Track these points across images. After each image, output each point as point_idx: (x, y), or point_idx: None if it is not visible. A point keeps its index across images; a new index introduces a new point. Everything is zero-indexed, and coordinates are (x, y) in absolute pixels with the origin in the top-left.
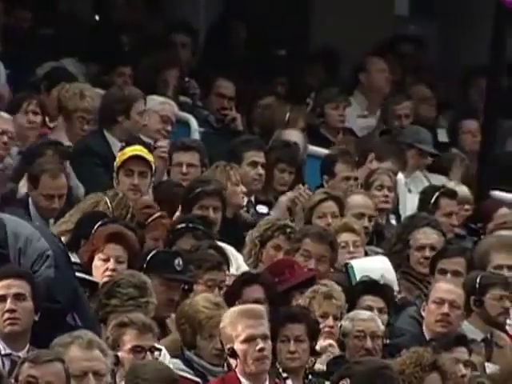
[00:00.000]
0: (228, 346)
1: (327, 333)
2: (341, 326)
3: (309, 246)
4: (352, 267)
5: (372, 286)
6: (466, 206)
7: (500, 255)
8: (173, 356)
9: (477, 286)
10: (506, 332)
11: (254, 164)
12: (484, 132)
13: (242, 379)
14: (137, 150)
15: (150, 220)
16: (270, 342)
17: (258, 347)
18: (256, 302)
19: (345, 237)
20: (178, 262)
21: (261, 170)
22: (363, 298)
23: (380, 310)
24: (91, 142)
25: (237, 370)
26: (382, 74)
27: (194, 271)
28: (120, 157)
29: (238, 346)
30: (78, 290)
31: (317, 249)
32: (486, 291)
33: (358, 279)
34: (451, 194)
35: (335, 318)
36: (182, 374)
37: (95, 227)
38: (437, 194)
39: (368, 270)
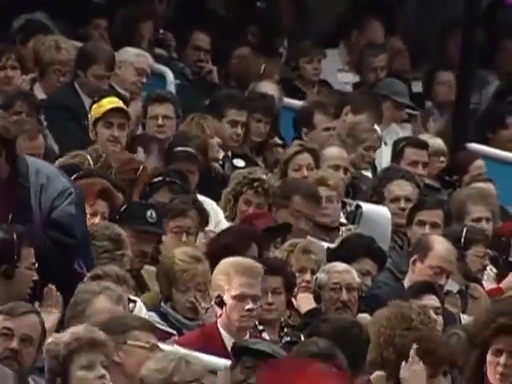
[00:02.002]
0: (216, 293)
1: (304, 287)
2: (316, 279)
3: (299, 206)
4: (361, 213)
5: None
6: (441, 158)
7: (478, 207)
8: (148, 309)
9: (462, 240)
10: (481, 284)
11: (235, 123)
12: (459, 83)
13: (223, 332)
14: (114, 102)
15: (137, 175)
16: (259, 302)
17: (247, 307)
18: None
19: (319, 191)
20: (151, 213)
21: (239, 130)
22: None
23: (369, 273)
24: (62, 96)
25: (219, 319)
26: (376, 31)
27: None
28: (97, 109)
29: (228, 299)
30: (88, 237)
31: (308, 209)
32: (470, 247)
33: (362, 226)
34: (417, 144)
35: (313, 273)
36: (157, 325)
37: (72, 178)
38: (402, 143)
39: (376, 218)
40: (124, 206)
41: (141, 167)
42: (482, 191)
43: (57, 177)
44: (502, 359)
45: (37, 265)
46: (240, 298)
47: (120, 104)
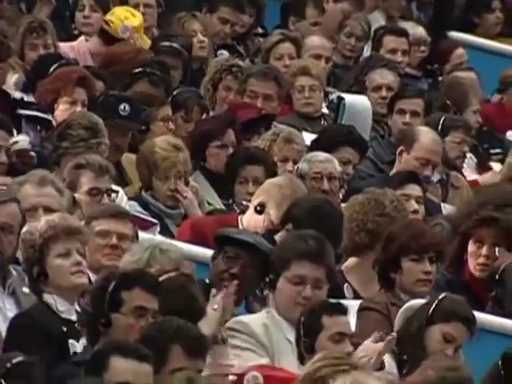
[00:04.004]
0: (260, 200)
1: None
2: (298, 169)
3: (254, 86)
4: (344, 104)
5: (350, 138)
6: (422, 48)
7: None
8: (130, 198)
9: (440, 127)
10: (462, 173)
11: (225, 21)
12: None
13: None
14: None
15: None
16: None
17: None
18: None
19: (302, 80)
20: (124, 107)
21: (228, 30)
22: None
23: (350, 162)
24: None
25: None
26: None
27: (149, 113)
28: None
29: (270, 213)
30: None
31: (262, 87)
32: (448, 133)
33: (345, 118)
34: (396, 31)
35: (295, 163)
36: (138, 214)
37: (53, 68)
38: (381, 31)
39: (358, 108)
40: (101, 98)
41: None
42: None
43: None
44: (484, 250)
45: None
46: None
47: None
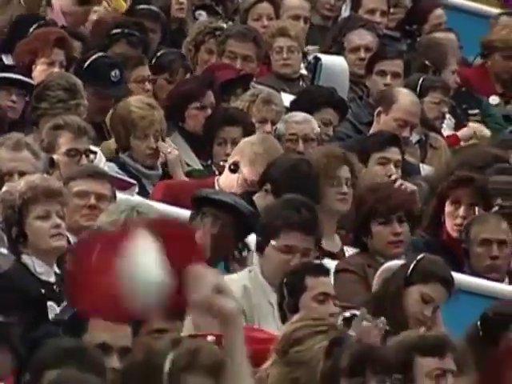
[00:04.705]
0: (234, 159)
1: None
2: (275, 129)
3: (233, 47)
4: (321, 64)
5: (331, 99)
6: (401, 8)
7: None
8: (108, 159)
9: (418, 87)
10: (441, 134)
11: None
12: None
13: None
14: None
15: None
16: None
17: (246, 182)
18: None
19: (280, 41)
20: (115, 73)
21: None
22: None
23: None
24: None
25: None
26: None
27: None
28: None
29: (243, 171)
30: None
31: (241, 48)
32: (427, 94)
33: (322, 78)
34: None
35: (273, 124)
36: (117, 175)
37: (32, 29)
38: None
39: (335, 69)
40: (89, 62)
41: None
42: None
43: None
44: (461, 211)
45: None
46: (249, 184)
47: None
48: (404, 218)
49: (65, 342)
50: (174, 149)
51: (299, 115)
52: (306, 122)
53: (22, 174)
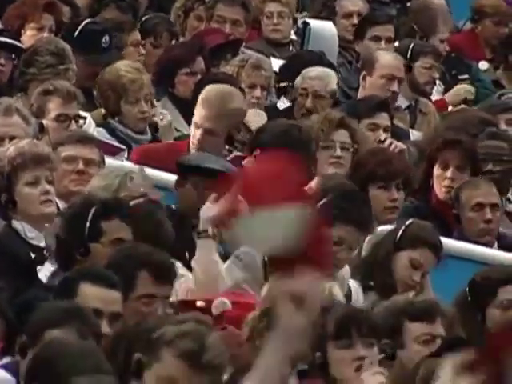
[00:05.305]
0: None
1: (254, 104)
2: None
3: (221, 11)
4: (310, 29)
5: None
6: None
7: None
8: (97, 125)
9: (409, 52)
10: (430, 100)
11: None
12: None
13: None
14: None
15: None
16: None
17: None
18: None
19: (271, 7)
20: (105, 39)
21: None
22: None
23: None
24: None
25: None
26: None
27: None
28: None
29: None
30: None
31: (229, 12)
32: (418, 58)
33: (311, 43)
34: None
35: (263, 89)
36: (106, 141)
37: None
38: None
39: (324, 34)
40: (80, 28)
41: None
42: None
43: None
44: (449, 173)
45: None
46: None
47: None
48: (401, 186)
49: (63, 303)
50: (166, 115)
51: (316, 70)
52: (319, 79)
53: (12, 138)
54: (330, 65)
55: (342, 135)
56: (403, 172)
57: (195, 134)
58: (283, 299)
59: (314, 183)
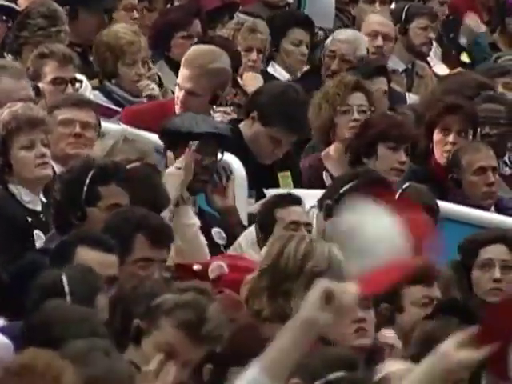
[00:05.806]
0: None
1: (250, 67)
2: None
3: None
4: None
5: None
6: None
7: None
8: (94, 88)
9: (404, 14)
10: (427, 62)
11: None
12: None
13: None
14: None
15: None
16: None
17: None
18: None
19: None
20: None
21: None
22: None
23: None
24: None
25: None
26: None
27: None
28: None
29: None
30: None
31: None
32: (413, 20)
33: (307, 6)
34: None
35: (259, 52)
36: (102, 103)
37: None
38: None
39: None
40: None
41: None
42: None
43: None
44: (451, 138)
45: None
46: None
47: None
48: (409, 152)
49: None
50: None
51: (346, 33)
52: (348, 42)
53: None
54: (304, 17)
55: (358, 98)
56: (414, 137)
57: (178, 95)
58: (318, 293)
59: None
